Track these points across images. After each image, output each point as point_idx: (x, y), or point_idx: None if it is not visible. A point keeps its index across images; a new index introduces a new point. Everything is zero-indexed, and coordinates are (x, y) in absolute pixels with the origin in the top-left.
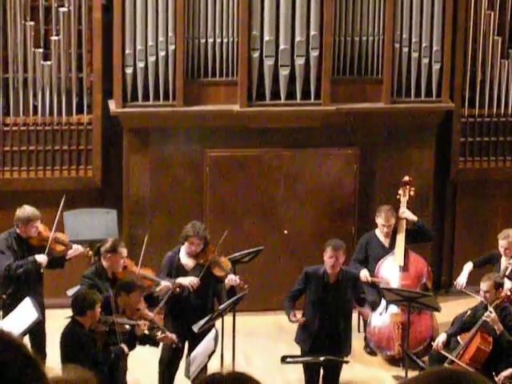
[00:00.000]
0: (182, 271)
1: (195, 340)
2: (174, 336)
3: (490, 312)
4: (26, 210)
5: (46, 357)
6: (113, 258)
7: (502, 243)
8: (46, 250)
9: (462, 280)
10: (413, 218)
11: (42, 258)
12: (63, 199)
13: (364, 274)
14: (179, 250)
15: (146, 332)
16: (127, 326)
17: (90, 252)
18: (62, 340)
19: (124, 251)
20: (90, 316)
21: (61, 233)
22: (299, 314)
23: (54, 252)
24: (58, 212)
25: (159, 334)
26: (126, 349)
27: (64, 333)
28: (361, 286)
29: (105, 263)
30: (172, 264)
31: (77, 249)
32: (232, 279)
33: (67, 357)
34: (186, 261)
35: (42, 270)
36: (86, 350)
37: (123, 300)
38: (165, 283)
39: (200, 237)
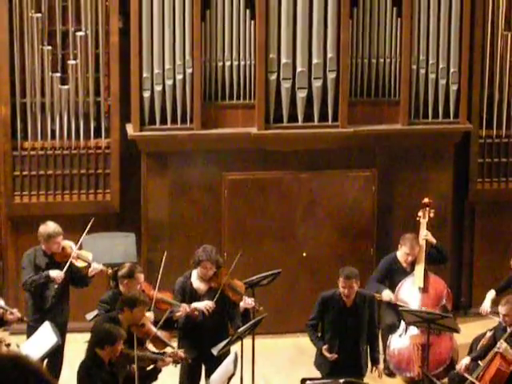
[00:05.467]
0: (195, 296)
1: (212, 363)
2: (182, 352)
3: (501, 343)
4: (48, 226)
5: (59, 378)
6: (129, 284)
7: None
8: (66, 267)
9: (486, 306)
10: (433, 240)
11: (56, 274)
12: (91, 221)
13: (387, 295)
14: (190, 275)
15: (172, 365)
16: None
17: (110, 271)
18: (79, 372)
19: (141, 277)
20: (109, 351)
21: (85, 251)
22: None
23: (77, 269)
24: (85, 232)
25: (168, 350)
26: None
27: (82, 366)
28: (375, 309)
29: (122, 288)
30: (185, 289)
31: (96, 268)
32: (247, 302)
33: None
34: (199, 285)
35: (56, 286)
36: None
37: (126, 316)
38: (184, 305)
39: (212, 260)
